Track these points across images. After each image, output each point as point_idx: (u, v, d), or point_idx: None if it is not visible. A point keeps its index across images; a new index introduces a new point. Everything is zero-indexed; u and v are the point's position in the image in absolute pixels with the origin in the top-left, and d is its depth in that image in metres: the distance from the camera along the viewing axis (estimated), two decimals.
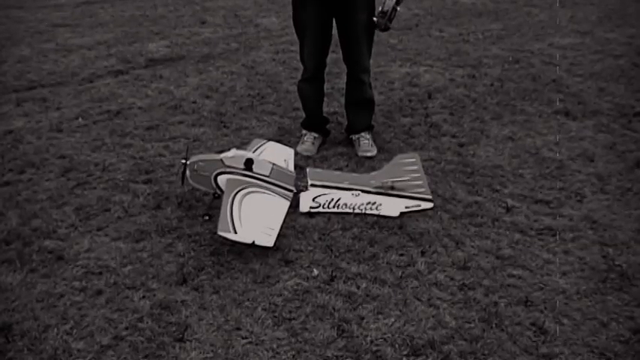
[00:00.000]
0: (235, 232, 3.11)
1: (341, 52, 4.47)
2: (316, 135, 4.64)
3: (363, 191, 3.69)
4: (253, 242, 3.12)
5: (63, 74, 6.62)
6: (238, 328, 2.73)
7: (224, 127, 5.05)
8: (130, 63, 6.92)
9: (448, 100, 5.59)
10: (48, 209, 3.80)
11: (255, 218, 3.25)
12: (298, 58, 4.61)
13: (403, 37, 7.74)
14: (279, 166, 3.73)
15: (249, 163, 3.55)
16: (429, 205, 3.73)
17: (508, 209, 3.72)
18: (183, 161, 3.60)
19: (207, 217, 3.60)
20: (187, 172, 3.58)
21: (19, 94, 5.98)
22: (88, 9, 10.45)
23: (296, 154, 4.33)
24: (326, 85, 4.73)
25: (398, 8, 4.15)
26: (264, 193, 3.51)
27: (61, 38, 8.27)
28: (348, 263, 3.19)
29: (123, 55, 7.26)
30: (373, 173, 3.99)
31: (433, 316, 2.79)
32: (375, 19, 4.17)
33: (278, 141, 4.40)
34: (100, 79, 6.43)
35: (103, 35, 8.32)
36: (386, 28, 4.20)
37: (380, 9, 4.13)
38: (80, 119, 5.28)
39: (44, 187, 4.08)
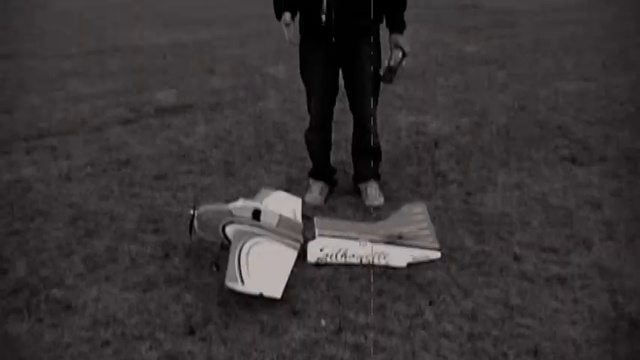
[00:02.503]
0: (243, 283, 3.11)
1: (347, 101, 4.51)
2: (323, 184, 4.66)
3: (370, 241, 3.69)
4: (261, 294, 3.11)
5: (72, 123, 6.70)
6: None
7: (232, 176, 5.08)
8: (138, 112, 7.01)
9: (455, 149, 5.62)
10: (56, 258, 3.81)
11: (263, 269, 3.25)
12: (305, 107, 4.65)
13: (409, 86, 7.81)
14: (286, 217, 3.74)
15: (257, 214, 3.56)
16: (437, 254, 3.73)
17: (516, 257, 3.71)
18: (192, 211, 3.62)
19: (215, 268, 3.60)
20: (195, 222, 3.59)
21: (29, 143, 6.05)
22: (97, 58, 10.62)
23: (303, 203, 4.34)
24: (333, 135, 4.76)
25: (404, 63, 4.22)
26: (271, 243, 3.52)
27: (71, 87, 8.40)
28: (356, 314, 3.18)
29: (132, 104, 7.35)
30: (380, 223, 3.99)
31: None
32: (381, 72, 4.24)
33: (286, 190, 4.42)
34: (109, 127, 6.49)
35: (113, 84, 8.44)
36: (391, 81, 4.26)
37: (387, 63, 4.20)
38: (89, 168, 5.32)
39: (53, 236, 4.10)
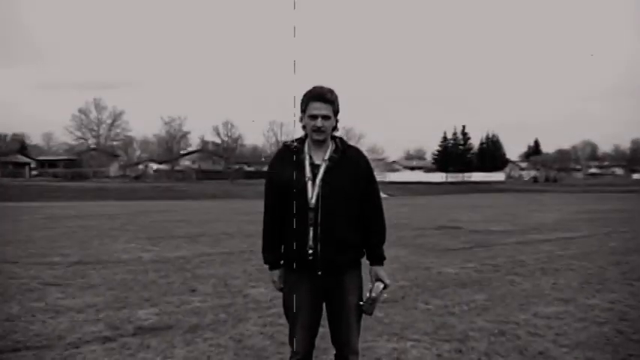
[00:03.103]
0: None
1: (328, 329, 4.50)
2: None
3: None
4: None
5: (50, 337, 6.61)
6: None
7: None
8: (118, 329, 6.93)
9: None
10: None
11: None
12: (286, 332, 4.64)
13: (390, 311, 7.85)
14: None
15: None
16: None
17: None
18: None
19: None
20: None
21: (3, 356, 5.93)
22: (80, 269, 10.73)
23: None
24: None
25: (385, 295, 4.33)
26: None
27: (51, 298, 8.39)
28: None
29: (111, 320, 7.30)
30: None
31: None
32: (362, 303, 4.33)
33: None
34: (86, 344, 6.39)
35: (93, 298, 8.44)
36: (372, 313, 4.35)
37: (367, 295, 4.30)
38: None
39: None
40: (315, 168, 4.25)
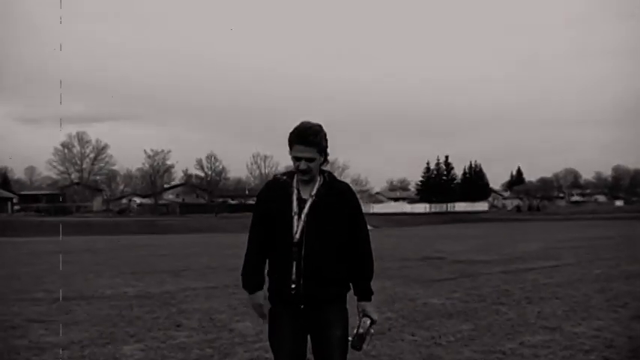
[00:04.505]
0: None
1: None
2: None
3: None
4: None
5: None
6: None
7: None
8: None
9: None
10: None
11: None
12: None
13: (376, 343, 7.81)
14: None
15: None
16: None
17: None
18: None
19: None
20: None
21: None
22: (64, 305, 10.63)
23: None
24: None
25: (372, 330, 4.33)
26: None
27: (34, 335, 8.30)
28: None
29: (96, 357, 7.22)
30: None
31: None
32: (350, 339, 4.32)
33: None
34: None
35: (78, 334, 8.34)
36: (360, 348, 4.34)
37: (355, 331, 4.30)
38: None
39: None
40: (301, 202, 4.24)
